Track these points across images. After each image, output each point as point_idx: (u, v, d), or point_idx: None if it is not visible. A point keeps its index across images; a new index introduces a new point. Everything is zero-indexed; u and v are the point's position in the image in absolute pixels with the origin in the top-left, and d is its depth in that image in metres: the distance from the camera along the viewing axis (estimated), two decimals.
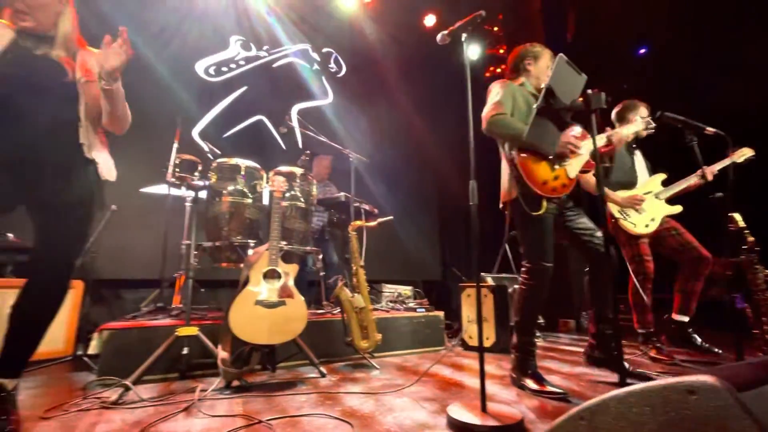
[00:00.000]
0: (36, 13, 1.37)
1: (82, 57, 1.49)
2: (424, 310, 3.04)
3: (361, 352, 2.38)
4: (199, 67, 4.15)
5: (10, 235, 2.64)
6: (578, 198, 2.04)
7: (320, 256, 3.04)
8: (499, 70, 6.07)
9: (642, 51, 5.22)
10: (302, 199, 2.89)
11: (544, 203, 1.80)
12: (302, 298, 2.08)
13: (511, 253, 4.00)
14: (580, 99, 1.40)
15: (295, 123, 4.21)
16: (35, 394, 1.77)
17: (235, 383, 1.88)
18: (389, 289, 3.69)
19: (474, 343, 2.94)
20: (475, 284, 2.84)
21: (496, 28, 5.82)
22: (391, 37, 5.26)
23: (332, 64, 5.07)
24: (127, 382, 1.68)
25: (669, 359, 2.35)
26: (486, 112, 1.85)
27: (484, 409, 1.35)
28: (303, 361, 2.30)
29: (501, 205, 2.01)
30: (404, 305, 3.22)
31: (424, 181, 5.38)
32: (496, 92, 1.90)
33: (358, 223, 2.59)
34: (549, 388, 1.69)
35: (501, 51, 5.97)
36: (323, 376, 2.08)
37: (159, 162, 2.86)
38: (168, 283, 2.97)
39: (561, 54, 1.53)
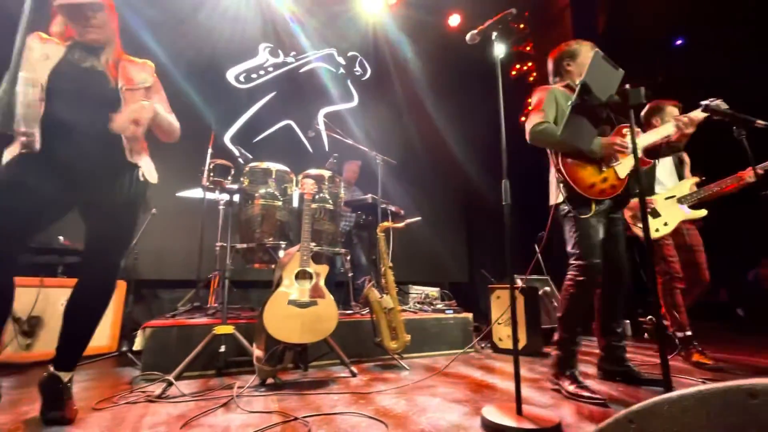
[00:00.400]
0: (103, 27, 1.49)
1: (123, 66, 1.58)
2: (452, 311, 3.02)
3: (390, 353, 2.39)
4: (230, 74, 4.30)
5: (61, 238, 2.81)
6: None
7: (348, 257, 3.08)
8: (525, 68, 5.96)
9: (679, 42, 4.99)
10: (330, 202, 2.93)
11: (593, 205, 1.81)
12: (333, 299, 2.12)
13: (542, 254, 3.91)
14: (617, 95, 1.35)
15: (321, 126, 4.29)
16: (86, 386, 1.88)
17: (270, 381, 1.93)
18: (416, 291, 3.69)
19: (504, 345, 2.89)
20: (505, 286, 2.80)
21: (522, 26, 5.71)
22: (415, 38, 5.26)
23: (357, 68, 5.13)
24: (170, 377, 1.76)
25: (712, 363, 2.24)
26: (528, 123, 1.86)
27: (519, 411, 1.33)
28: (334, 360, 2.33)
29: (550, 207, 1.99)
30: (432, 306, 3.21)
31: (450, 181, 5.34)
32: (537, 100, 1.90)
33: (386, 224, 2.61)
34: (586, 393, 1.64)
35: (528, 48, 5.86)
36: (354, 375, 2.10)
37: (194, 167, 2.99)
38: (203, 283, 3.09)
39: (597, 49, 1.49)
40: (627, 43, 4.51)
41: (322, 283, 2.13)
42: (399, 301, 2.55)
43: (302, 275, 2.12)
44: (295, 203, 2.96)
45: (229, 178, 2.93)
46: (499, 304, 3.01)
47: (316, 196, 2.84)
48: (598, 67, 1.42)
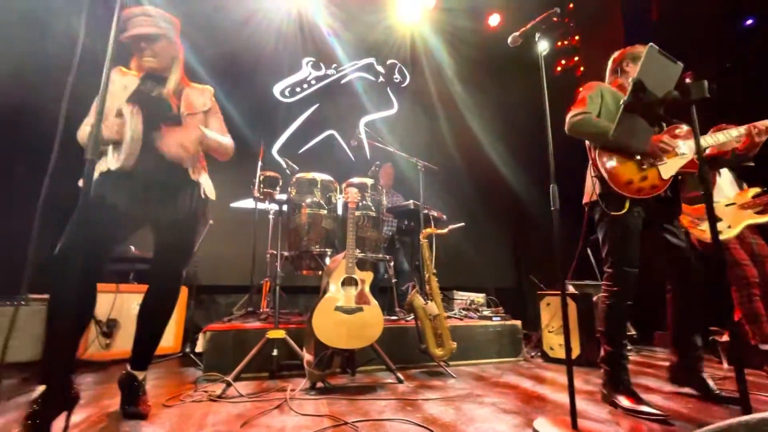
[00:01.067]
0: (159, 56, 1.63)
1: (186, 93, 1.73)
2: (500, 318, 2.94)
3: (436, 360, 2.38)
4: (276, 90, 4.52)
5: (132, 248, 3.10)
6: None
7: (392, 264, 3.11)
8: (572, 62, 5.69)
9: (748, 22, 4.53)
10: (373, 209, 2.98)
11: (627, 204, 1.70)
12: (378, 305, 2.15)
13: (594, 258, 3.71)
14: (676, 91, 1.27)
15: (363, 135, 4.37)
16: (156, 384, 2.06)
17: (319, 384, 2.00)
18: (461, 297, 3.63)
19: (556, 354, 2.77)
20: (555, 292, 2.70)
21: (566, 20, 5.47)
22: (454, 41, 5.21)
23: (396, 75, 5.18)
24: (229, 378, 1.87)
25: None
26: (569, 114, 1.80)
27: (575, 426, 1.28)
28: (380, 366, 2.36)
29: (584, 206, 1.91)
30: (478, 313, 3.15)
31: (494, 185, 5.19)
32: (581, 96, 1.84)
33: (429, 230, 2.60)
34: (645, 408, 1.54)
35: (574, 41, 5.60)
36: (401, 382, 2.11)
37: (245, 179, 3.17)
38: (256, 289, 3.26)
39: (651, 43, 1.40)
40: (686, 29, 4.17)
41: (367, 289, 2.18)
42: (443, 308, 2.53)
43: (348, 282, 2.18)
44: (340, 211, 3.04)
45: (278, 188, 3.08)
46: (549, 311, 2.89)
47: (360, 204, 2.90)
48: (654, 61, 1.34)
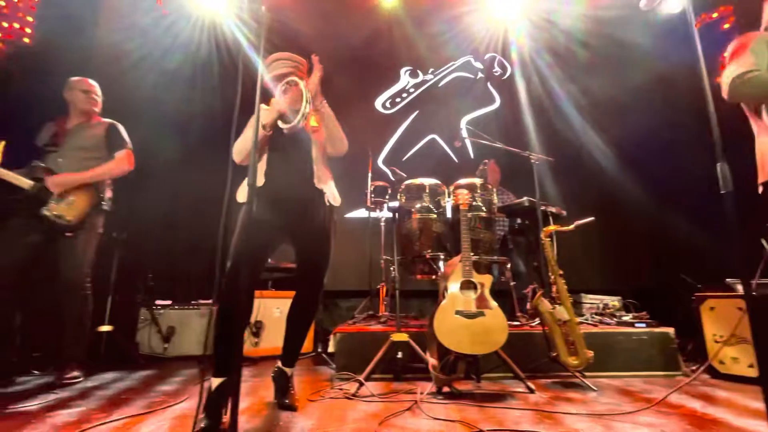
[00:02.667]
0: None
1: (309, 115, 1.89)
2: (644, 325, 2.54)
3: (570, 370, 2.16)
4: (378, 103, 4.74)
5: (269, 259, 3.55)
6: None
7: (508, 265, 2.95)
8: (714, 16, 4.69)
9: None
10: (484, 209, 2.88)
11: None
12: (500, 309, 2.06)
13: None
14: None
15: (465, 134, 4.29)
16: (297, 381, 2.28)
17: (445, 389, 1.99)
18: (591, 300, 3.25)
19: (728, 369, 2.27)
20: (723, 294, 2.23)
21: None
22: (557, 22, 4.75)
23: (496, 68, 4.95)
24: (360, 378, 1.99)
25: None
26: (728, 73, 1.47)
27: None
28: (506, 373, 2.25)
29: (759, 188, 1.54)
30: (616, 318, 2.78)
31: (624, 171, 4.50)
32: (737, 46, 1.49)
33: (552, 227, 2.40)
34: None
35: None
36: (532, 391, 1.97)
37: (355, 191, 3.38)
38: (373, 293, 3.42)
39: None
40: None
41: (488, 293, 2.10)
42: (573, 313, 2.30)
43: (466, 285, 2.13)
44: (449, 214, 3.02)
45: (387, 196, 3.21)
46: (713, 316, 2.39)
47: (470, 205, 2.83)
48: None
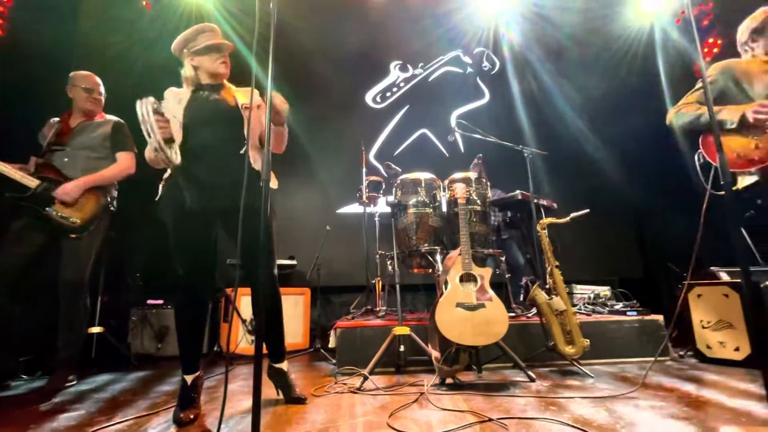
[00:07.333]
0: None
1: (233, 93, 1.82)
2: (636, 313, 2.63)
3: (568, 358, 2.22)
4: (368, 98, 4.72)
5: None
6: None
7: (503, 258, 3.00)
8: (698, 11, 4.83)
9: None
10: (479, 203, 2.91)
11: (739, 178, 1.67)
12: (500, 301, 2.09)
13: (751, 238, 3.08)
14: None
15: (457, 128, 4.30)
16: (297, 377, 2.29)
17: (449, 380, 2.01)
18: (582, 290, 3.34)
19: (715, 354, 2.37)
20: (709, 281, 2.32)
21: None
22: (546, 16, 4.80)
23: (485, 63, 4.99)
24: (365, 372, 2.00)
25: None
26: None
27: None
28: (506, 363, 2.29)
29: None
30: (608, 307, 2.86)
31: (613, 164, 4.61)
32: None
33: (549, 220, 2.44)
34: None
35: None
36: (532, 380, 2.02)
37: (347, 186, 3.37)
38: (369, 288, 3.42)
39: None
40: None
41: (487, 285, 2.13)
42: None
43: (467, 278, 2.16)
44: (444, 208, 3.04)
45: (381, 191, 3.21)
46: (700, 303, 2.49)
47: (467, 199, 2.86)
48: None
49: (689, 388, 1.82)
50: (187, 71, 1.79)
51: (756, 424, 1.19)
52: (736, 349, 2.27)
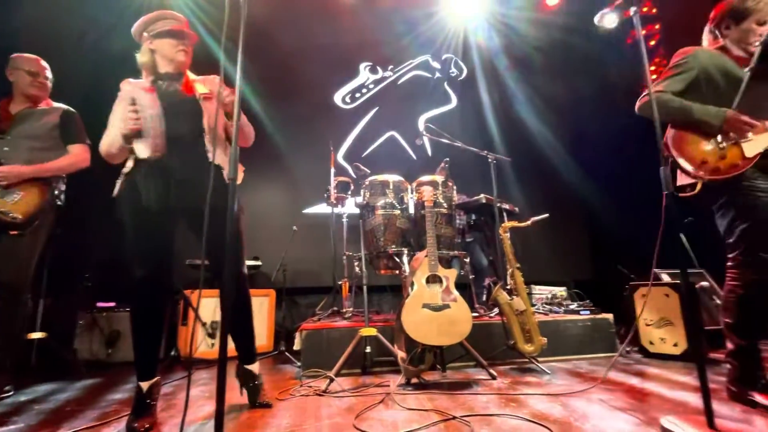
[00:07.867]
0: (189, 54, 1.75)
1: (192, 82, 1.71)
2: (588, 312, 2.80)
3: (527, 356, 2.32)
4: (337, 98, 4.69)
5: None
6: None
7: (467, 260, 3.08)
8: (643, 32, 5.21)
9: None
10: (445, 206, 2.98)
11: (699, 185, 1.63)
12: (465, 302, 2.15)
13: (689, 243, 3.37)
14: None
15: (424, 132, 4.37)
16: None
17: (414, 380, 2.05)
18: (540, 291, 3.50)
19: (657, 349, 2.57)
20: (654, 282, 2.48)
21: None
22: (512, 26, 5.01)
23: (453, 69, 5.11)
24: (331, 374, 1.99)
25: None
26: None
27: (711, 425, 1.18)
28: (470, 362, 2.36)
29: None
30: (563, 307, 3.02)
31: (568, 172, 4.90)
32: (672, 65, 1.69)
33: (511, 223, 2.55)
34: None
35: (645, 9, 5.13)
36: (494, 378, 2.10)
37: (315, 186, 3.32)
38: (336, 289, 3.40)
39: None
40: None
41: (452, 286, 2.19)
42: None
43: (433, 279, 2.20)
44: (411, 210, 3.08)
45: (349, 192, 3.20)
46: (645, 302, 2.69)
47: (434, 202, 2.91)
48: None
49: (634, 381, 1.96)
50: (144, 56, 1.70)
51: (689, 412, 1.30)
52: (675, 345, 2.47)
